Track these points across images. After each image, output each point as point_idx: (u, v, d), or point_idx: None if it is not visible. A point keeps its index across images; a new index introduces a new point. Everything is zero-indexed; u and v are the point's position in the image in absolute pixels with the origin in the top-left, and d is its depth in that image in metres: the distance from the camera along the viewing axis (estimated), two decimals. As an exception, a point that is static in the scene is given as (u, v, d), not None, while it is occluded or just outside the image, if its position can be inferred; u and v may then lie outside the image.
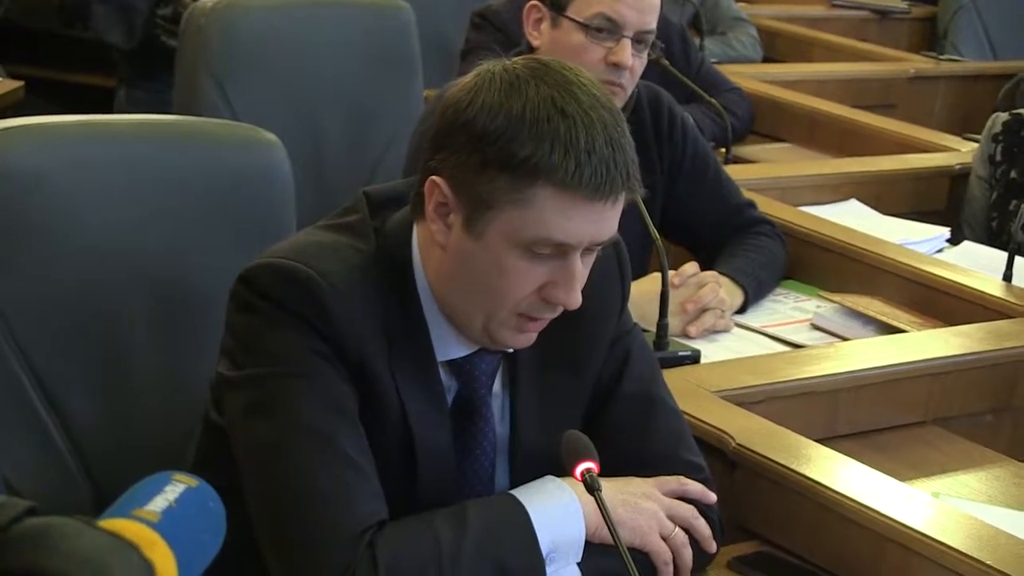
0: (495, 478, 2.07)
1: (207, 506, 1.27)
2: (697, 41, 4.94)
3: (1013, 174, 3.97)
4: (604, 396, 2.14)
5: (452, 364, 2.02)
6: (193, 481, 1.26)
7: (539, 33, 3.03)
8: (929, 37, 6.60)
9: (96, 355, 2.28)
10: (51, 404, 2.25)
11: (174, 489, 1.24)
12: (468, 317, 1.95)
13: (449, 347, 2.00)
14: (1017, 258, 3.29)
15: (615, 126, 1.89)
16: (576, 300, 1.92)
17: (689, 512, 2.06)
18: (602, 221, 1.89)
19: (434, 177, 1.91)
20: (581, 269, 1.92)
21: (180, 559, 1.18)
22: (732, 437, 2.36)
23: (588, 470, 1.88)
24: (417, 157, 2.86)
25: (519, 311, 1.93)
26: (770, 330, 3.04)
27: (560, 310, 1.95)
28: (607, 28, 2.96)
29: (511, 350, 2.05)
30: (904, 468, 2.56)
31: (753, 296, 3.13)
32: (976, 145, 4.17)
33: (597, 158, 1.84)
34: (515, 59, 1.95)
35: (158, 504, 1.21)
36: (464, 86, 1.92)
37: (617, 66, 2.96)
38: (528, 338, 1.98)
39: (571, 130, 1.84)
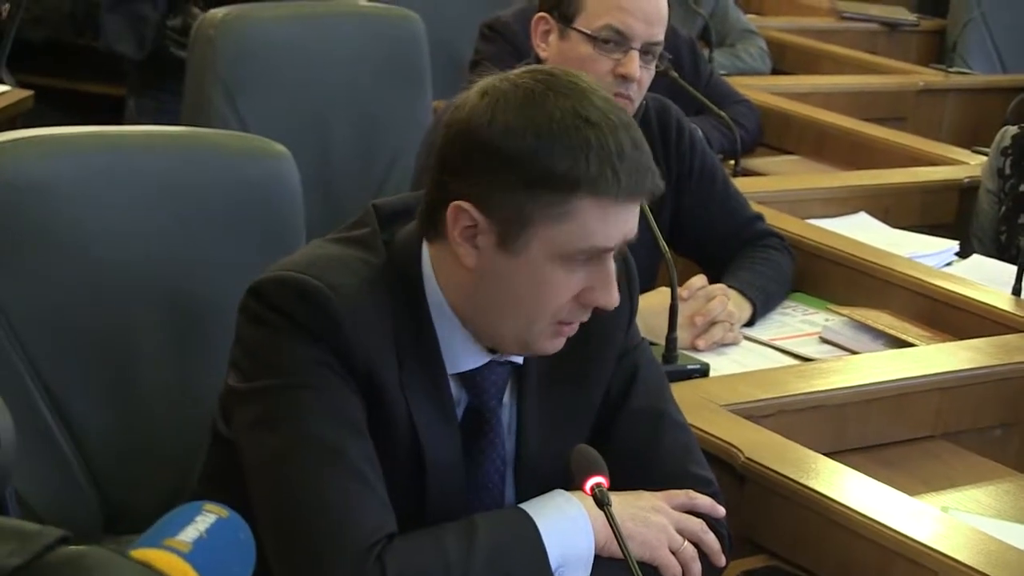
0: (505, 491, 2.07)
1: (237, 537, 1.27)
2: (706, 53, 4.94)
3: (1022, 187, 3.96)
4: (612, 410, 2.13)
5: (463, 376, 2.02)
6: (224, 512, 1.27)
7: (547, 45, 3.03)
8: (938, 50, 6.60)
9: (104, 365, 2.28)
10: (59, 413, 2.25)
11: (205, 519, 1.24)
12: (502, 333, 1.96)
13: (460, 359, 2.00)
14: (1026, 271, 3.28)
15: (633, 127, 1.91)
16: (616, 299, 1.94)
17: (698, 526, 2.06)
18: (631, 220, 1.92)
19: (459, 203, 1.90)
20: (615, 268, 1.94)
21: None
22: (741, 451, 2.36)
23: (598, 484, 1.88)
24: (427, 170, 2.87)
25: (559, 319, 1.94)
26: (779, 343, 3.04)
27: (590, 312, 1.96)
28: (615, 40, 2.96)
29: (521, 362, 2.05)
30: (913, 482, 2.55)
31: (761, 309, 3.13)
32: (985, 158, 4.17)
33: (629, 161, 1.87)
34: (518, 72, 1.94)
35: (189, 534, 1.22)
36: (474, 107, 1.91)
37: (625, 78, 2.96)
38: (561, 342, 1.99)
39: (600, 138, 1.86)
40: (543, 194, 1.86)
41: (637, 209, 1.92)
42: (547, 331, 1.95)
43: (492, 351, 2.01)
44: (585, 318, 1.97)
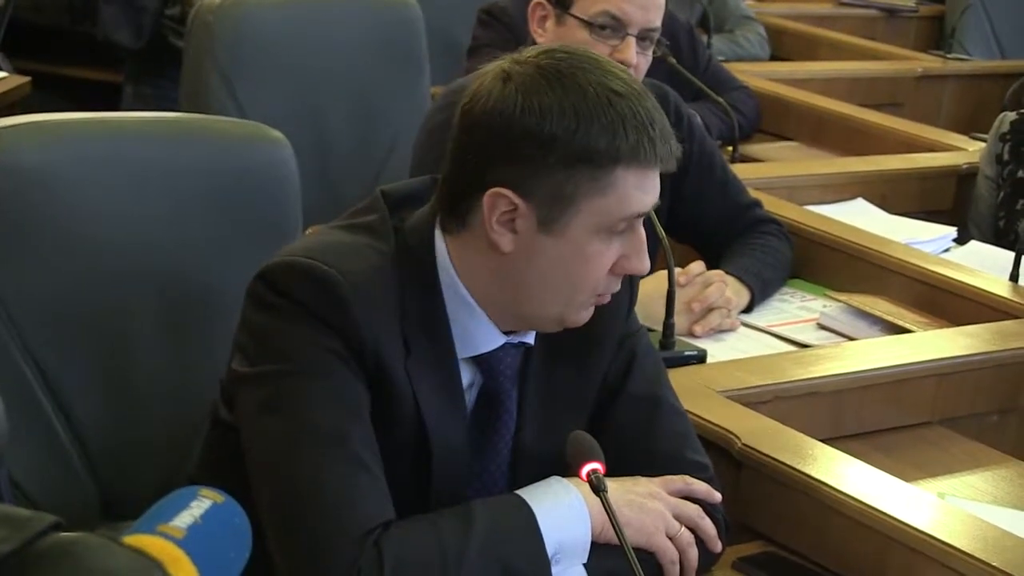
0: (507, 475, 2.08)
1: (233, 522, 1.26)
2: (704, 39, 4.94)
3: (1020, 173, 3.96)
4: (609, 396, 2.14)
5: (477, 359, 2.02)
6: (219, 497, 1.26)
7: (544, 31, 3.03)
8: (937, 36, 6.59)
9: (101, 352, 2.28)
10: (55, 400, 2.25)
11: (200, 505, 1.24)
12: (540, 313, 1.98)
13: (476, 342, 2.00)
14: (1024, 258, 3.28)
15: (648, 94, 1.94)
16: (647, 265, 1.99)
17: (695, 512, 2.06)
18: (658, 184, 1.96)
19: (497, 189, 1.90)
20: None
21: None
22: (738, 437, 2.36)
23: (594, 471, 1.88)
24: (426, 154, 2.87)
25: (598, 291, 1.97)
26: (776, 329, 3.04)
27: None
28: (611, 26, 2.96)
29: (532, 343, 2.05)
30: (910, 469, 2.55)
31: (759, 295, 3.13)
32: (983, 144, 4.16)
33: (659, 128, 1.91)
34: (533, 54, 1.94)
35: (184, 520, 1.21)
36: (501, 94, 1.91)
37: (622, 64, 2.95)
38: (591, 312, 2.01)
39: (632, 108, 1.89)
40: (586, 170, 1.88)
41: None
42: (586, 304, 1.98)
43: (507, 333, 2.02)
44: (618, 288, 2.00)
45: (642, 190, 1.92)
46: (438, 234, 1.98)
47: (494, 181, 1.91)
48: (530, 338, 2.05)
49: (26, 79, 4.28)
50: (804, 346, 2.95)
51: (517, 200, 1.90)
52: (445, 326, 1.98)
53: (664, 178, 3.14)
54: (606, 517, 1.89)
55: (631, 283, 2.16)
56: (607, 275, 1.96)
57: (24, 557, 1.07)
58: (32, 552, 1.08)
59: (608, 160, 1.88)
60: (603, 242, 1.93)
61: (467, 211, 1.94)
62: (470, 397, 2.04)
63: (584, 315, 2.00)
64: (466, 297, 1.98)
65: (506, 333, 2.02)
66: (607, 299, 2.01)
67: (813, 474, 2.26)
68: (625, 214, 1.91)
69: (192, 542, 1.19)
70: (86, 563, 1.09)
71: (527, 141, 1.89)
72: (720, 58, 4.96)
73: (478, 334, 2.00)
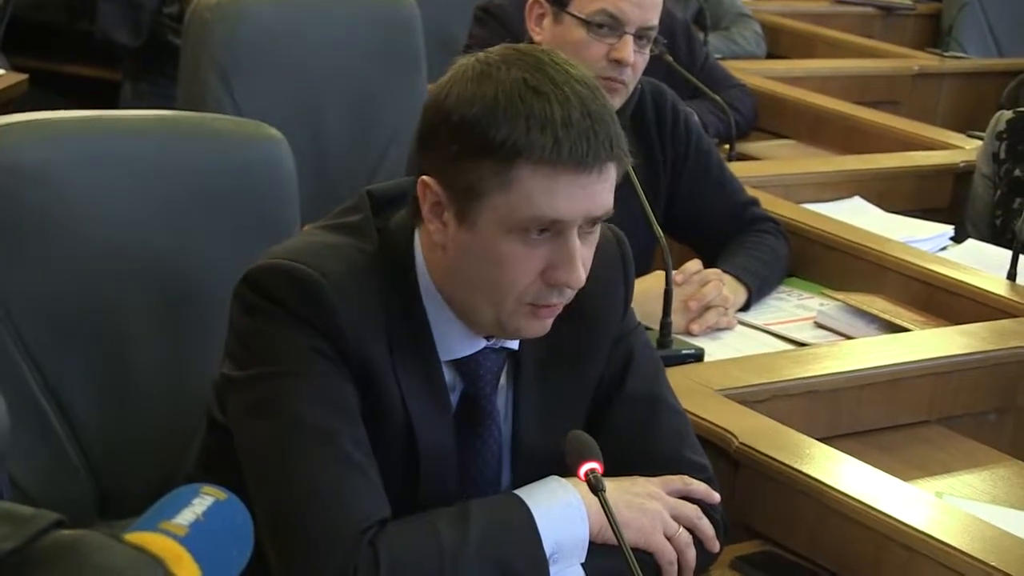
0: (502, 477, 2.07)
1: (235, 520, 1.26)
2: (701, 37, 4.93)
3: (1017, 172, 3.96)
4: (607, 396, 2.13)
5: (457, 363, 2.02)
6: (222, 494, 1.26)
7: (541, 29, 3.03)
8: (934, 34, 6.59)
9: (98, 350, 2.28)
10: (54, 398, 2.25)
11: (202, 502, 1.24)
12: (478, 313, 1.95)
13: (454, 346, 2.00)
14: (1021, 256, 3.28)
15: (592, 99, 1.88)
16: (579, 279, 1.91)
17: (693, 512, 2.06)
18: (592, 195, 1.88)
19: (424, 177, 1.92)
20: (580, 247, 1.90)
21: (206, 574, 1.18)
22: (735, 436, 2.36)
23: (592, 470, 1.88)
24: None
25: (526, 300, 1.92)
26: (773, 328, 3.04)
27: (568, 294, 1.94)
28: (609, 24, 2.95)
29: (516, 347, 2.04)
30: (907, 468, 2.56)
31: (756, 294, 3.13)
32: (980, 143, 4.16)
33: (576, 131, 1.84)
34: (490, 50, 1.95)
35: (186, 517, 1.21)
36: (441, 83, 1.94)
37: (619, 63, 2.95)
38: (544, 325, 1.97)
39: (545, 106, 1.84)
40: (487, 163, 1.85)
41: (600, 183, 1.88)
42: (520, 312, 1.93)
43: (486, 337, 2.01)
44: (560, 299, 1.94)
45: (551, 193, 1.85)
46: (416, 232, 1.98)
47: (423, 169, 1.92)
48: (512, 343, 2.04)
49: (23, 77, 4.28)
50: (801, 345, 2.95)
51: (438, 189, 1.90)
52: (426, 328, 1.98)
53: (661, 176, 3.17)
54: (604, 517, 1.88)
55: (626, 281, 2.16)
56: (537, 283, 1.90)
57: (26, 555, 1.07)
58: (34, 550, 1.08)
59: (507, 155, 1.84)
60: (520, 244, 1.88)
61: (417, 200, 1.95)
62: (452, 400, 2.03)
63: (528, 326, 1.95)
64: (439, 300, 1.98)
65: (487, 338, 2.02)
66: (554, 311, 1.95)
67: (811, 473, 2.26)
68: (531, 214, 1.86)
69: (194, 540, 1.19)
70: (88, 560, 1.09)
71: (442, 129, 1.89)
72: (717, 56, 4.96)
73: (455, 338, 2.00)
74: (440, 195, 1.90)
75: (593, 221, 1.92)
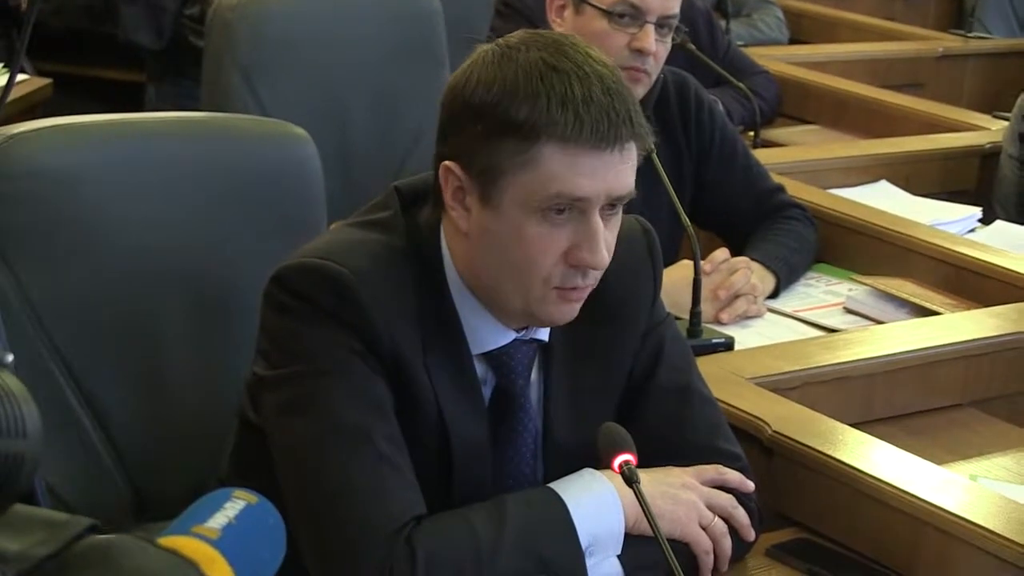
0: (536, 470, 2.07)
1: (267, 523, 1.27)
2: (723, 24, 4.92)
3: (1044, 152, 3.94)
4: (639, 387, 2.13)
5: (488, 356, 2.02)
6: (253, 498, 1.26)
7: (562, 20, 3.03)
8: (956, 15, 6.56)
9: (129, 353, 2.29)
10: (86, 402, 2.25)
11: (234, 506, 1.24)
12: (506, 300, 1.95)
13: (485, 340, 2.00)
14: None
15: (611, 78, 1.89)
16: (603, 259, 1.91)
17: (728, 501, 2.06)
18: (614, 173, 1.89)
19: (446, 163, 1.92)
20: (602, 227, 1.91)
21: None
22: (768, 424, 2.35)
23: (626, 462, 1.88)
24: None
25: (553, 283, 1.92)
26: (803, 314, 3.04)
27: (593, 276, 1.94)
28: (630, 14, 2.95)
29: (546, 339, 2.04)
30: (941, 451, 2.55)
31: (785, 281, 3.12)
32: (1006, 123, 4.15)
33: (596, 107, 1.85)
34: (510, 35, 1.96)
35: (218, 521, 1.21)
36: (462, 69, 1.95)
37: (641, 52, 2.95)
38: (572, 309, 1.96)
39: (565, 84, 1.86)
40: (509, 143, 1.86)
41: (622, 162, 1.89)
42: (549, 297, 1.93)
43: (516, 329, 2.01)
44: (585, 282, 1.94)
45: (574, 171, 1.86)
46: (443, 226, 1.99)
47: (444, 154, 1.93)
48: (543, 334, 2.04)
49: (47, 81, 4.29)
50: (831, 331, 2.95)
51: (460, 173, 1.91)
52: (456, 322, 1.98)
53: (687, 165, 3.16)
54: (639, 508, 1.89)
55: (654, 271, 2.15)
56: (560, 264, 1.90)
57: (62, 560, 1.08)
58: (70, 554, 1.08)
59: (529, 133, 1.85)
60: (542, 224, 1.88)
61: (439, 189, 1.95)
62: (485, 394, 2.03)
63: (556, 311, 1.95)
64: (467, 294, 1.98)
65: (518, 330, 2.02)
66: (580, 295, 1.95)
67: (844, 459, 2.26)
68: (554, 192, 1.86)
69: (227, 542, 1.19)
70: (123, 564, 1.09)
71: (463, 112, 1.90)
72: (739, 43, 4.95)
73: (485, 331, 2.00)
74: (462, 179, 1.91)
75: (614, 202, 1.92)
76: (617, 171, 1.89)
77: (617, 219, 1.95)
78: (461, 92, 1.91)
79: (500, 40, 1.95)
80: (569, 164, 1.86)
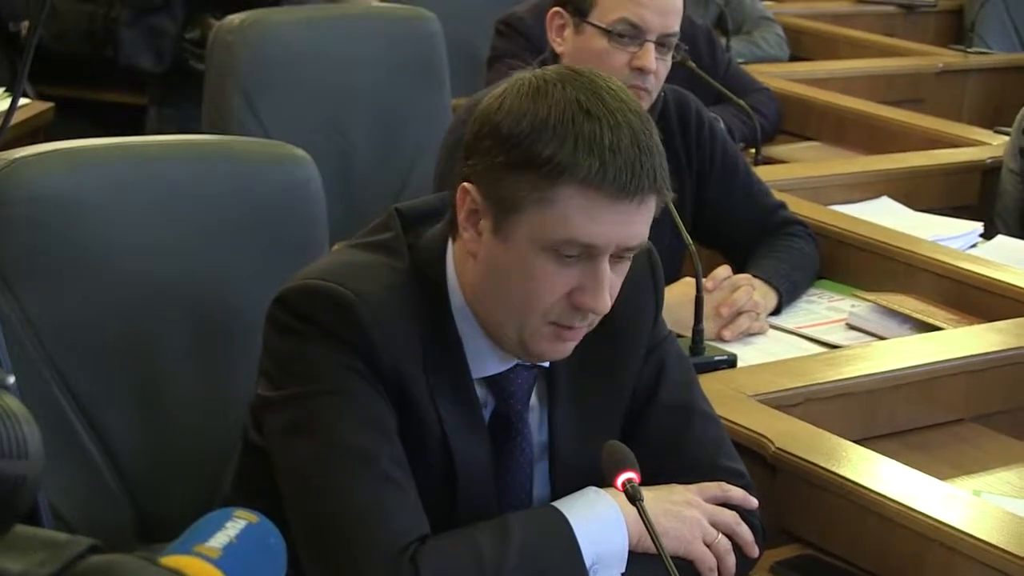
0: (533, 492, 2.07)
1: (267, 542, 1.27)
2: (723, 42, 4.93)
3: (1045, 166, 3.95)
4: (641, 406, 2.13)
5: (489, 380, 2.02)
6: (254, 517, 1.27)
7: (563, 40, 3.03)
8: (956, 30, 6.57)
9: (132, 375, 2.29)
10: (89, 424, 2.26)
11: (235, 525, 1.25)
12: (502, 328, 1.95)
13: (486, 363, 2.00)
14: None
15: (643, 130, 1.88)
16: (604, 305, 1.91)
17: (732, 518, 2.06)
18: (630, 224, 1.88)
19: (465, 184, 1.92)
20: (609, 274, 1.91)
21: None
22: (771, 441, 2.35)
23: (629, 480, 1.88)
24: (447, 169, 2.87)
25: (550, 319, 1.92)
26: (805, 331, 3.04)
27: (592, 320, 1.95)
28: (629, 33, 2.96)
29: (547, 364, 2.04)
30: (944, 467, 2.55)
31: (787, 297, 3.13)
32: (1007, 138, 4.15)
33: (622, 158, 1.84)
34: (547, 67, 1.96)
35: (219, 540, 1.22)
36: (491, 95, 1.94)
37: (641, 71, 2.95)
38: (565, 348, 1.97)
39: (596, 129, 1.85)
40: (530, 178, 1.86)
41: (638, 214, 1.88)
42: (543, 332, 1.93)
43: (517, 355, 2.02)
44: (583, 323, 1.94)
45: (590, 217, 1.85)
46: (449, 248, 1.99)
47: (464, 176, 1.93)
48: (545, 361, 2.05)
49: (49, 105, 4.30)
50: (834, 347, 2.95)
51: (477, 197, 1.91)
52: (458, 345, 1.98)
53: (687, 183, 3.17)
54: (643, 526, 1.89)
55: (655, 290, 2.16)
56: (562, 302, 1.90)
57: None
58: (71, 574, 1.08)
59: (551, 171, 1.84)
60: (551, 262, 1.88)
61: (455, 209, 1.95)
62: (484, 416, 2.03)
63: (549, 347, 1.95)
64: (470, 317, 1.98)
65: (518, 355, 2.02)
66: (576, 335, 1.95)
67: (848, 475, 2.26)
68: (568, 236, 1.86)
69: (228, 562, 1.20)
70: None
71: (489, 137, 1.89)
72: (739, 60, 4.95)
73: (487, 355, 2.00)
74: (479, 203, 1.91)
75: (625, 251, 1.92)
76: (633, 222, 1.89)
77: (626, 265, 1.95)
78: (491, 118, 1.90)
79: (540, 71, 1.93)
80: (585, 209, 1.85)
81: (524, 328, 1.93)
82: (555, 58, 3.01)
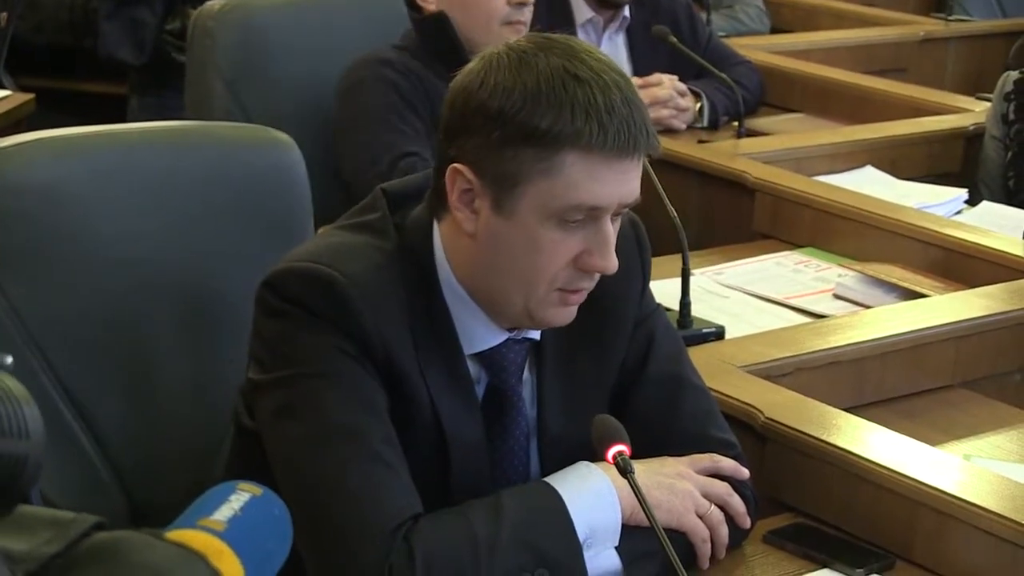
0: (530, 466, 2.08)
1: (272, 513, 1.27)
2: (703, 16, 4.93)
3: (1027, 132, 3.95)
4: (631, 379, 2.14)
5: (481, 356, 2.03)
6: (258, 490, 1.27)
7: None
8: (935, -1, 6.57)
9: (121, 363, 2.29)
10: (79, 413, 2.26)
11: (239, 498, 1.25)
12: (507, 302, 1.96)
13: (477, 339, 2.01)
14: (1037, 216, 3.28)
15: (627, 86, 1.90)
16: (613, 264, 1.93)
17: (723, 489, 2.06)
18: (628, 180, 1.91)
19: (455, 165, 1.92)
20: (613, 232, 1.93)
21: (247, 567, 1.18)
22: (760, 411, 2.36)
23: (620, 453, 1.89)
24: (340, 116, 2.92)
25: (557, 286, 1.93)
26: (792, 301, 3.05)
27: (596, 279, 1.96)
28: None
29: (538, 338, 2.05)
30: (934, 432, 2.56)
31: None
32: (989, 105, 4.16)
33: (618, 117, 1.86)
34: (519, 39, 1.96)
35: (224, 513, 1.22)
36: (468, 72, 1.94)
37: (521, 3, 3.02)
38: (570, 312, 1.98)
39: (588, 94, 1.86)
40: (530, 151, 1.86)
41: (635, 170, 1.91)
42: (550, 299, 1.94)
43: (509, 329, 2.02)
44: (589, 285, 1.96)
45: (594, 180, 1.87)
46: (436, 228, 1.99)
47: (454, 157, 1.92)
48: (535, 333, 2.05)
49: (30, 96, 4.29)
50: (821, 316, 2.96)
51: (472, 177, 1.91)
52: (448, 322, 1.99)
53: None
54: (635, 499, 1.89)
55: (643, 263, 2.16)
56: (568, 268, 1.92)
57: (69, 557, 1.08)
58: (77, 552, 1.09)
59: (552, 141, 1.86)
60: (556, 231, 1.90)
61: (442, 190, 1.95)
62: (478, 393, 2.04)
63: (556, 313, 1.97)
64: (462, 293, 1.98)
65: (510, 330, 2.02)
66: (581, 297, 1.97)
67: (838, 444, 2.27)
68: (575, 202, 1.88)
69: (233, 534, 1.20)
70: (131, 559, 1.10)
71: (478, 116, 1.89)
72: (720, 34, 4.95)
73: (478, 331, 2.01)
74: (473, 182, 1.91)
75: (625, 207, 1.94)
76: (630, 179, 1.91)
77: (619, 222, 1.97)
78: (475, 95, 1.90)
79: (512, 44, 1.93)
80: (589, 173, 1.87)
81: (531, 298, 1.94)
82: (431, 19, 3.15)
